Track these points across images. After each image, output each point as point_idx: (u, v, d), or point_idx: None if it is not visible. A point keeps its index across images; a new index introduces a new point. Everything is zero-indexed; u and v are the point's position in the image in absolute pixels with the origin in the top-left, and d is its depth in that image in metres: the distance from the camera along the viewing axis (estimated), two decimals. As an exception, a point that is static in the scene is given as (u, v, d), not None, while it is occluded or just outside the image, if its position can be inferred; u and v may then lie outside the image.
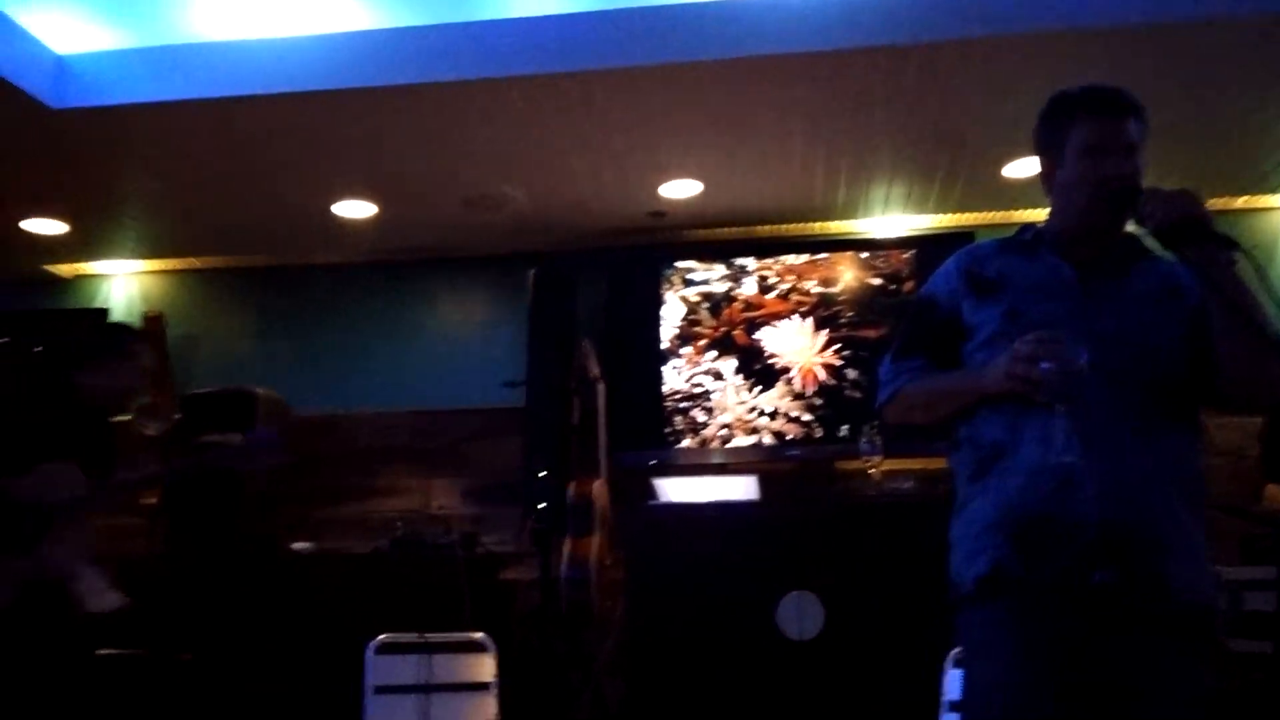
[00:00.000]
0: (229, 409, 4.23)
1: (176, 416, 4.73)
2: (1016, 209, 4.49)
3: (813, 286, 4.48)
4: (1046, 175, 1.84)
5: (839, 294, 4.47)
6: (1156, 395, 1.67)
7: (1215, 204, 4.41)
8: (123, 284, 5.13)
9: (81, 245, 4.81)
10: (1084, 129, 1.74)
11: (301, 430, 3.29)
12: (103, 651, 3.49)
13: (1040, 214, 1.90)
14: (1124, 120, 1.74)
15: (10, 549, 2.74)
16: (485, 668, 2.94)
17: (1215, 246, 1.60)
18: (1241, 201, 4.44)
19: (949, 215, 4.62)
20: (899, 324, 2.05)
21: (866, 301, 4.43)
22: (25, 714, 2.75)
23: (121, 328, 3.06)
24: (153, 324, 4.84)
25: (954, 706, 2.69)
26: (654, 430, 4.42)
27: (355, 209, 4.44)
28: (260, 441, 3.01)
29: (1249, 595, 2.64)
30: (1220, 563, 2.61)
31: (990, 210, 4.55)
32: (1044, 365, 1.56)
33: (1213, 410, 1.76)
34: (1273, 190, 4.37)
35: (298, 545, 4.08)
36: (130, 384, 3.07)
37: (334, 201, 4.37)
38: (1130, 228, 1.75)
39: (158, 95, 3.48)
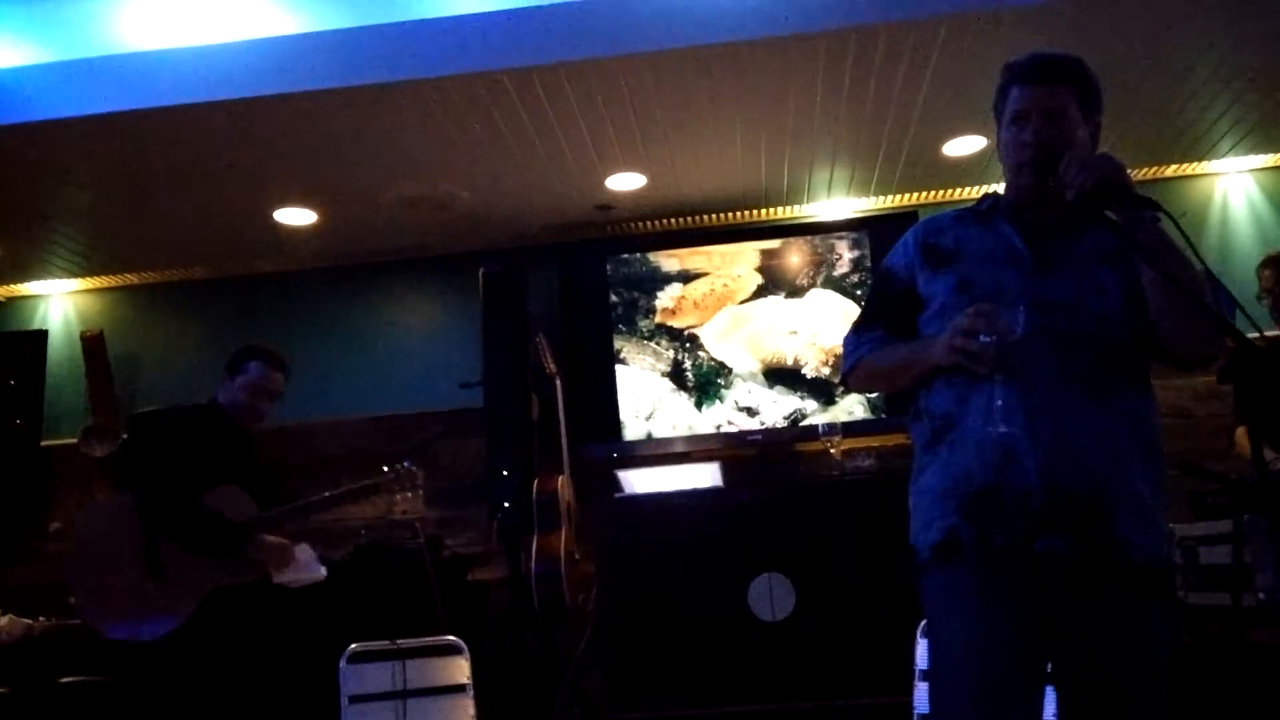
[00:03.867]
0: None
1: (123, 437, 4.62)
2: (959, 187, 4.57)
3: (763, 271, 4.53)
4: (998, 144, 1.86)
5: (791, 278, 4.51)
6: (1108, 357, 1.68)
7: (1147, 173, 4.54)
8: (59, 304, 4.99)
9: (13, 266, 4.67)
10: (1013, 96, 1.78)
11: (259, 442, 3.24)
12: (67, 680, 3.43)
13: (982, 191, 1.91)
14: (1051, 86, 1.75)
15: (215, 554, 2.95)
16: (460, 670, 2.92)
17: (1135, 208, 1.60)
18: (1172, 169, 4.56)
19: (892, 196, 4.67)
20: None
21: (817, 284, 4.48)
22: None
23: (263, 350, 3.24)
24: (92, 343, 4.72)
25: (924, 675, 2.73)
26: (613, 422, 4.42)
27: (296, 216, 4.36)
28: None
29: (1204, 550, 2.71)
30: (1175, 520, 2.69)
31: (932, 190, 4.62)
32: (982, 337, 1.59)
33: (1168, 367, 1.76)
34: (1200, 158, 4.50)
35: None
36: (267, 408, 3.25)
37: (274, 209, 4.29)
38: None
39: (84, 109, 3.40)
